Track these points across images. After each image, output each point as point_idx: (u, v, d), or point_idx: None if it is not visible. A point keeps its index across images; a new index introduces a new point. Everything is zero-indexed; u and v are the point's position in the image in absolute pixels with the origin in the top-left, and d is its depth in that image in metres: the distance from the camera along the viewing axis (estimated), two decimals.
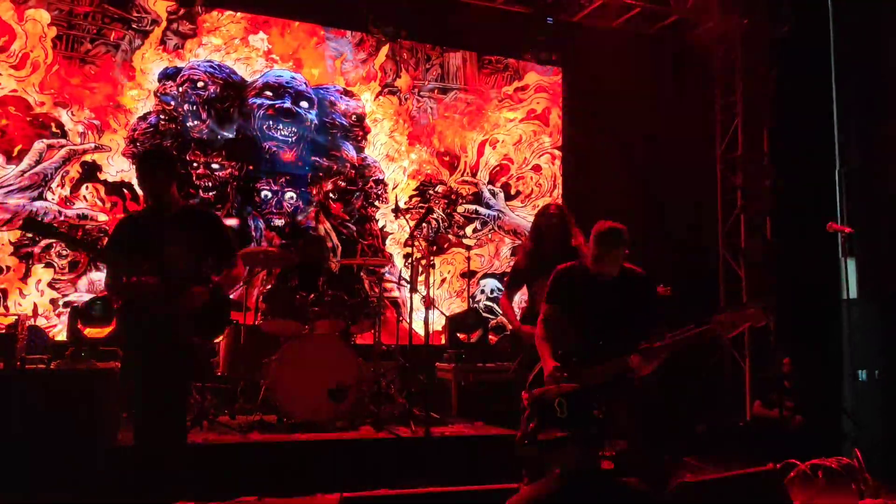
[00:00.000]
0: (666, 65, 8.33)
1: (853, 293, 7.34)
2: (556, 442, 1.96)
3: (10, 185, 6.49)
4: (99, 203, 6.68)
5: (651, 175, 8.24)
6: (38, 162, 6.54)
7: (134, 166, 4.00)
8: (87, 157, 6.74)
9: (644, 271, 3.77)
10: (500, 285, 8.24)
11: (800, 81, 7.79)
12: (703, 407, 7.22)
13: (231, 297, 4.18)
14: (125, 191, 6.86)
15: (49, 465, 4.22)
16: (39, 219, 6.24)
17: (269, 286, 5.96)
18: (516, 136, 8.51)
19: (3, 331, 4.78)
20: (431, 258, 5.82)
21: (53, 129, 6.68)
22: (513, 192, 8.43)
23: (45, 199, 6.58)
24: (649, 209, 8.04)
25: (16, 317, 5.06)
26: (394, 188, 7.87)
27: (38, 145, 6.59)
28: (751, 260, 8.08)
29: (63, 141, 6.68)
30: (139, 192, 6.86)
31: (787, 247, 7.79)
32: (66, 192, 6.66)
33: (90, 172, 6.78)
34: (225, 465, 4.62)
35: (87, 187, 6.70)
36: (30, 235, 6.34)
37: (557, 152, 8.66)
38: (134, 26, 7.03)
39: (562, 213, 4.47)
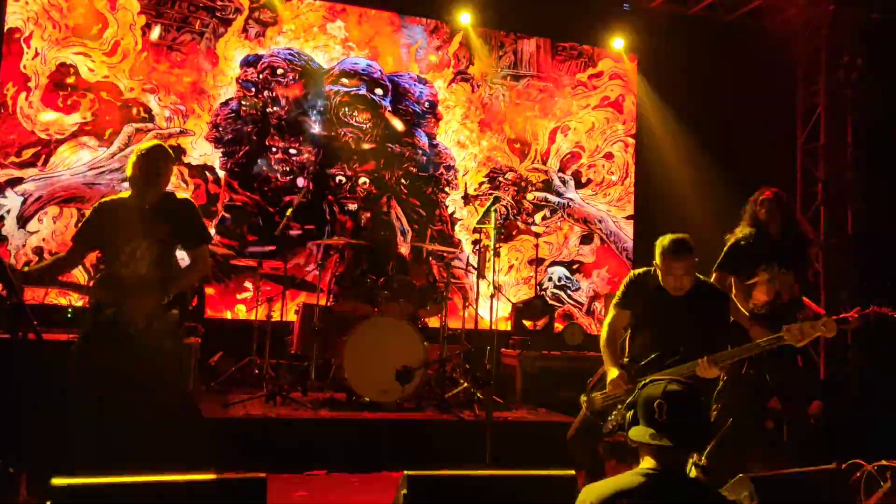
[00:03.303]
0: (744, 53, 8.10)
1: None
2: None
3: (102, 166, 6.87)
4: (182, 185, 6.98)
5: (727, 166, 8.06)
6: (127, 145, 6.88)
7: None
8: (173, 141, 7.06)
9: (717, 285, 3.88)
10: (567, 273, 8.24)
11: (887, 70, 7.47)
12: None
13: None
14: (207, 174, 7.16)
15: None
16: None
17: (341, 269, 6.14)
18: (589, 124, 8.46)
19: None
20: (498, 245, 5.88)
21: (142, 114, 7.02)
22: (583, 179, 8.39)
23: None
24: (725, 201, 7.86)
25: None
26: (464, 175, 7.95)
27: (128, 129, 6.94)
28: (830, 256, 7.84)
29: (150, 125, 7.01)
30: (220, 174, 7.17)
31: (870, 243, 7.51)
32: None
33: (175, 155, 7.07)
34: (296, 439, 4.82)
35: None
36: None
37: (631, 140, 8.58)
38: (218, 15, 7.29)
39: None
